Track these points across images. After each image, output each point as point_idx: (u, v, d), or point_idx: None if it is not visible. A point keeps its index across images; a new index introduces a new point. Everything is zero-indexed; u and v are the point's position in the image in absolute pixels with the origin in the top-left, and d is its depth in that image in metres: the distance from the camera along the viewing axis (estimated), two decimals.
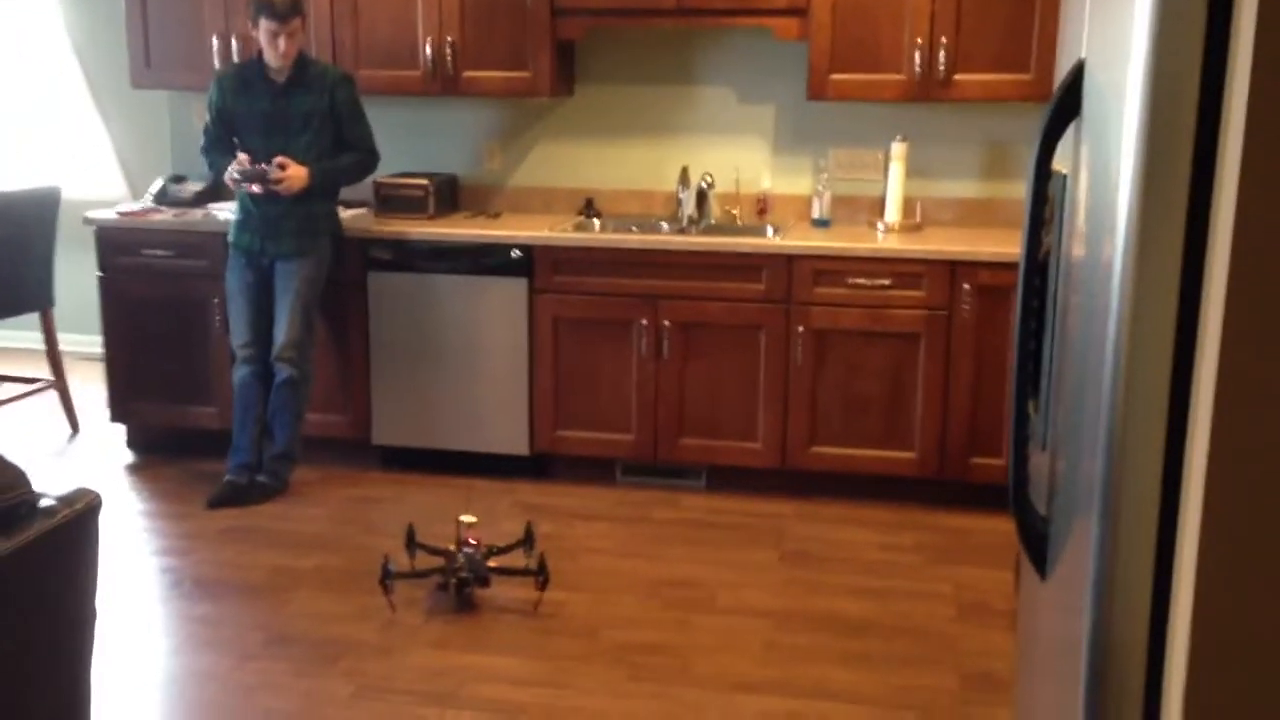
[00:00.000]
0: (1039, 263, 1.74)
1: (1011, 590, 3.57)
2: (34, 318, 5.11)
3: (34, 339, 5.25)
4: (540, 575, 3.56)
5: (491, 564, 3.60)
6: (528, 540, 3.73)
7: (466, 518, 3.69)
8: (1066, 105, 1.62)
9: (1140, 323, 1.26)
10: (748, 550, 4.02)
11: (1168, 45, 1.20)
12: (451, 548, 3.63)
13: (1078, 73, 1.62)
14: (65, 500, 1.89)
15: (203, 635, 3.43)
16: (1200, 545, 1.18)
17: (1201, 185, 1.21)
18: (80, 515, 1.89)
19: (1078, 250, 1.64)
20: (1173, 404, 1.26)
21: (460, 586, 3.56)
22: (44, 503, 1.87)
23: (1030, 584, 1.91)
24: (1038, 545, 1.74)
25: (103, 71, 5.52)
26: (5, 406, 5.31)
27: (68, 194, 5.33)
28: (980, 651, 3.32)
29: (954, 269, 4.18)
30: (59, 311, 5.20)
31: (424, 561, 3.67)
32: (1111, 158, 1.36)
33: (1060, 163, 1.75)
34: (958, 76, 4.31)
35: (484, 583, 3.58)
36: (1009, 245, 4.20)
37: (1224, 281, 1.15)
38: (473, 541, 3.62)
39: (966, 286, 4.18)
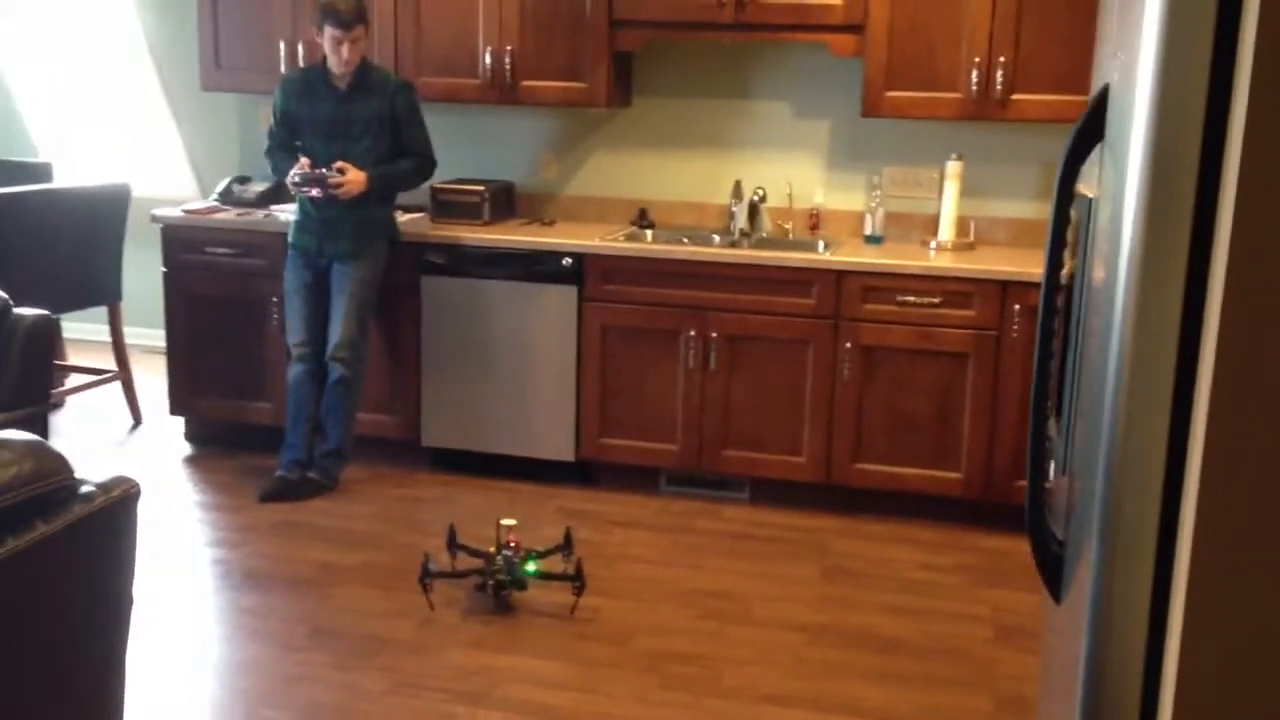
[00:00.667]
0: (1060, 285, 1.73)
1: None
2: (103, 311, 5.26)
3: (102, 331, 5.40)
4: (576, 581, 3.59)
5: (529, 568, 3.64)
6: (566, 546, 3.77)
7: (507, 521, 3.73)
8: (1091, 129, 1.62)
9: (1142, 344, 1.26)
10: (787, 564, 4.02)
11: (1174, 71, 1.21)
12: (491, 550, 3.68)
13: (1103, 96, 1.62)
14: (104, 487, 1.96)
15: (249, 625, 3.51)
16: (1191, 569, 1.18)
17: (1206, 210, 1.21)
18: (118, 502, 1.95)
19: (1099, 274, 1.63)
20: (1173, 426, 1.26)
21: (498, 589, 3.61)
22: (84, 489, 1.93)
23: (1048, 608, 1.90)
24: (1053, 569, 1.74)
25: (176, 73, 5.67)
26: (73, 396, 5.48)
27: (141, 192, 5.49)
28: (1016, 675, 3.29)
29: (1005, 289, 4.15)
30: (127, 305, 5.35)
31: (464, 563, 3.72)
32: (1123, 181, 1.37)
33: (1091, 188, 1.75)
34: (1015, 96, 4.28)
35: (521, 586, 3.62)
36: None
37: (1219, 304, 1.15)
38: (512, 544, 3.66)
39: (1017, 307, 4.15)
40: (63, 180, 5.57)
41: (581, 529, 4.28)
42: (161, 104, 5.87)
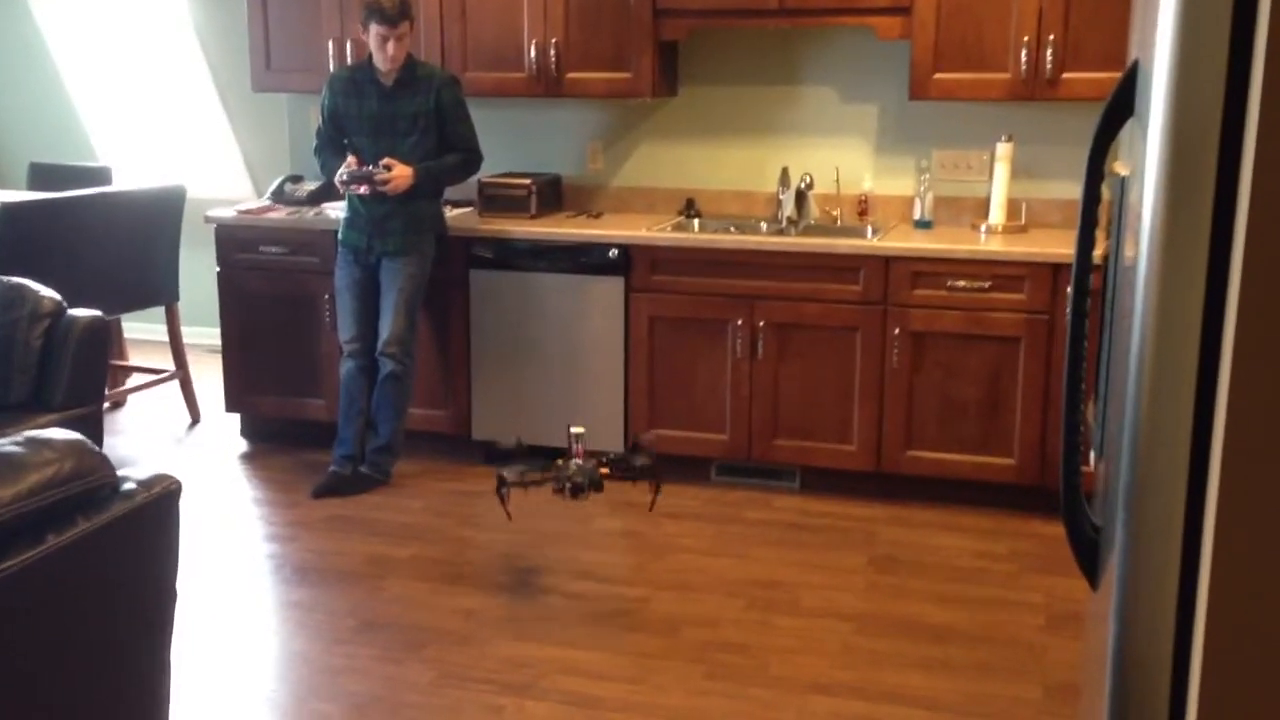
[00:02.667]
0: (1092, 265, 1.70)
1: None
2: (161, 311, 5.36)
3: (161, 331, 5.50)
4: (653, 478, 3.60)
5: (604, 471, 3.64)
6: (635, 450, 3.77)
7: (576, 429, 3.73)
8: (1121, 105, 1.58)
9: (1166, 323, 1.23)
10: (837, 553, 3.99)
11: (1193, 42, 1.17)
12: (560, 462, 3.68)
13: (1132, 72, 1.58)
14: (145, 484, 1.99)
15: (298, 618, 3.56)
16: (1215, 553, 1.15)
17: (1227, 186, 1.17)
18: (158, 499, 1.99)
19: (1129, 252, 1.60)
20: (1199, 407, 1.22)
21: (575, 492, 3.61)
22: (125, 486, 1.97)
23: (1089, 596, 1.86)
24: (1089, 554, 1.70)
25: (230, 75, 5.76)
26: (133, 395, 5.59)
27: (197, 192, 5.59)
28: (1067, 663, 3.24)
29: (1056, 272, 4.08)
30: (184, 305, 5.44)
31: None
32: (1147, 157, 1.33)
33: (1124, 165, 1.71)
34: (1066, 75, 4.20)
35: (598, 487, 3.63)
36: None
37: (1239, 281, 1.11)
38: (579, 454, 3.67)
39: (1069, 290, 4.06)
40: (120, 183, 5.68)
41: (632, 520, 4.29)
42: (216, 106, 5.97)
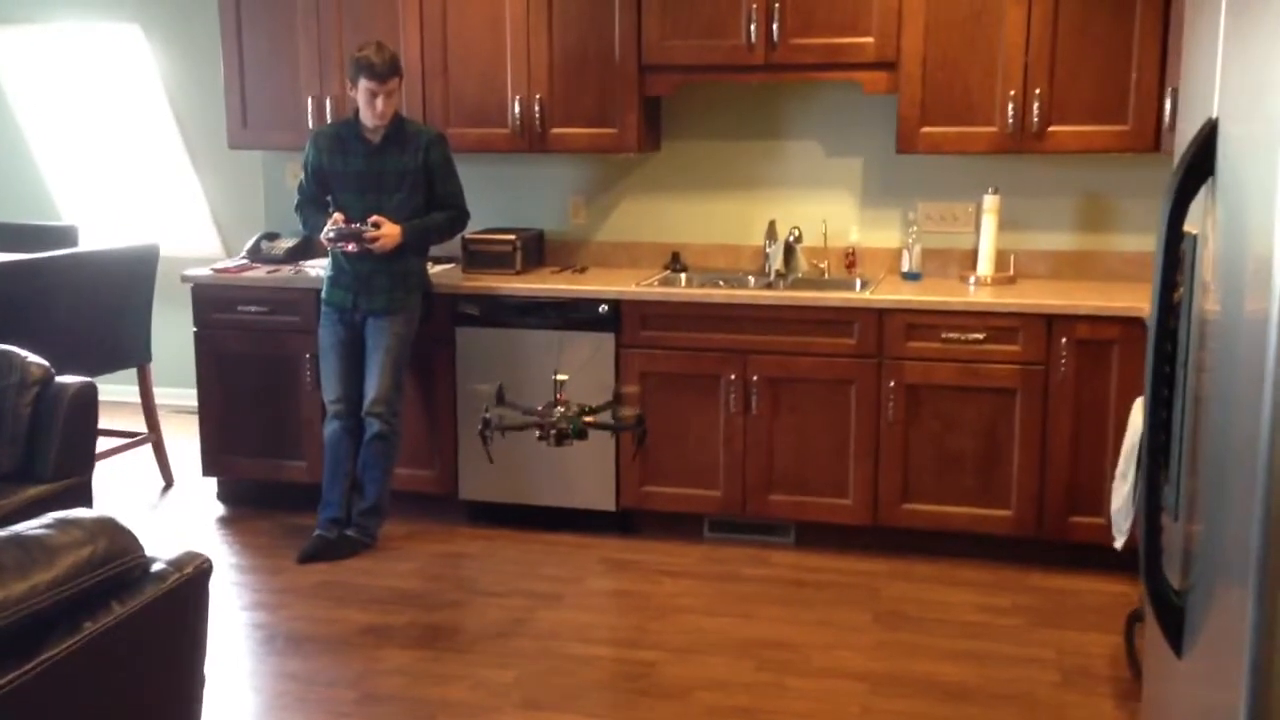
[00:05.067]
0: (1170, 328, 1.67)
1: (1122, 655, 3.45)
2: (131, 372, 5.21)
3: (132, 392, 5.35)
4: (639, 428, 3.52)
5: (589, 420, 3.56)
6: (617, 400, 3.70)
7: (561, 376, 3.64)
8: (1198, 165, 1.57)
9: None
10: (840, 610, 3.94)
11: None
12: (540, 408, 3.59)
13: (1210, 132, 1.56)
14: (176, 564, 1.90)
15: (295, 693, 3.43)
16: None
17: None
18: (190, 579, 1.89)
19: (1211, 310, 1.58)
20: None
21: (559, 439, 3.52)
22: (156, 567, 1.87)
23: (1161, 659, 1.82)
24: (1173, 622, 1.67)
25: (199, 131, 5.66)
26: (104, 460, 5.41)
27: (166, 251, 5.46)
28: None
29: (1050, 323, 4.10)
30: (158, 365, 5.30)
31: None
32: (1255, 216, 1.31)
33: (1190, 222, 1.70)
34: (1052, 128, 4.24)
35: (581, 435, 3.54)
36: (1108, 298, 4.11)
37: None
38: (563, 401, 3.58)
39: (1064, 340, 4.09)
40: (88, 243, 5.55)
41: (628, 579, 4.21)
42: (185, 163, 5.86)
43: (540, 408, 3.60)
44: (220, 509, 4.99)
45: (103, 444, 5.34)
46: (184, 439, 5.49)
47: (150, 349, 5.18)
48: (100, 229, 6.10)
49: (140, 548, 1.85)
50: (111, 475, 5.39)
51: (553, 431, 3.52)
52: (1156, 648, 1.87)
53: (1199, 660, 1.58)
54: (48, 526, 1.75)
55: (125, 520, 4.49)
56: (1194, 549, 1.61)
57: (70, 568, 1.69)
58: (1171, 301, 1.65)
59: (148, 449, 5.31)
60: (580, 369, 4.45)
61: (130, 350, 5.09)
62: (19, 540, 1.68)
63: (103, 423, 5.46)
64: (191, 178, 5.88)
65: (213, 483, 5.06)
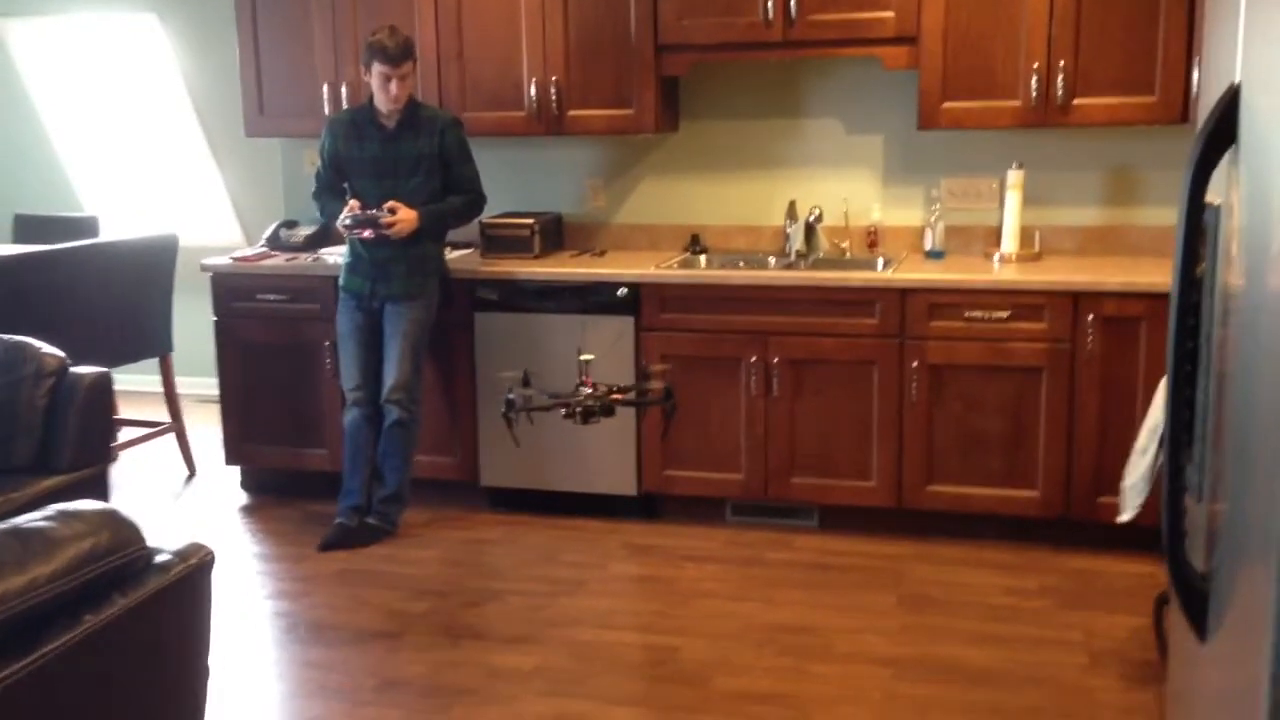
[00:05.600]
0: (1192, 303, 1.61)
1: (1151, 639, 3.39)
2: (154, 362, 5.22)
3: (154, 383, 5.36)
4: (668, 403, 3.48)
5: (616, 397, 3.51)
6: (646, 377, 3.66)
7: (586, 356, 3.60)
8: (1220, 133, 1.51)
9: None
10: (864, 593, 3.89)
11: None
12: (569, 390, 3.56)
13: (1232, 99, 1.50)
14: (180, 555, 1.87)
15: (316, 680, 3.42)
16: None
17: None
18: (194, 570, 1.87)
19: (1236, 284, 1.52)
20: None
21: (586, 416, 3.48)
22: (159, 558, 1.85)
23: (1185, 643, 1.77)
24: (1197, 605, 1.61)
25: (218, 120, 5.66)
26: (127, 450, 5.44)
27: (186, 240, 5.46)
28: (1117, 706, 3.14)
29: (1077, 300, 4.02)
30: (180, 355, 5.31)
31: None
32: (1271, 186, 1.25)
33: (1211, 193, 1.63)
34: (1077, 100, 4.16)
35: (609, 412, 3.50)
36: (1135, 274, 4.03)
37: None
38: (588, 382, 3.54)
39: (1090, 318, 4.01)
40: (109, 233, 5.56)
41: (650, 564, 4.18)
42: (204, 152, 5.86)
43: (568, 390, 3.55)
44: (243, 498, 4.99)
45: (126, 434, 5.40)
46: (207, 428, 5.50)
47: (171, 339, 5.18)
48: (122, 219, 6.11)
49: (143, 540, 1.83)
50: (135, 465, 5.41)
51: (579, 409, 3.47)
52: (1180, 631, 1.82)
53: (1223, 644, 1.53)
54: (49, 519, 1.73)
55: (148, 510, 4.51)
56: (1217, 530, 1.55)
57: (71, 560, 1.67)
58: (1194, 275, 1.60)
59: (171, 438, 5.32)
60: (601, 353, 4.41)
61: (151, 340, 5.10)
62: (19, 533, 1.66)
63: (125, 412, 5.56)
64: (211, 166, 5.88)
65: (236, 471, 5.06)
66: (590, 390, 3.50)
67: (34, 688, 1.57)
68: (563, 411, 3.49)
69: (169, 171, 6.10)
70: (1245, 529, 1.41)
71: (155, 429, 5.30)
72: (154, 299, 5.04)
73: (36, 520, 1.72)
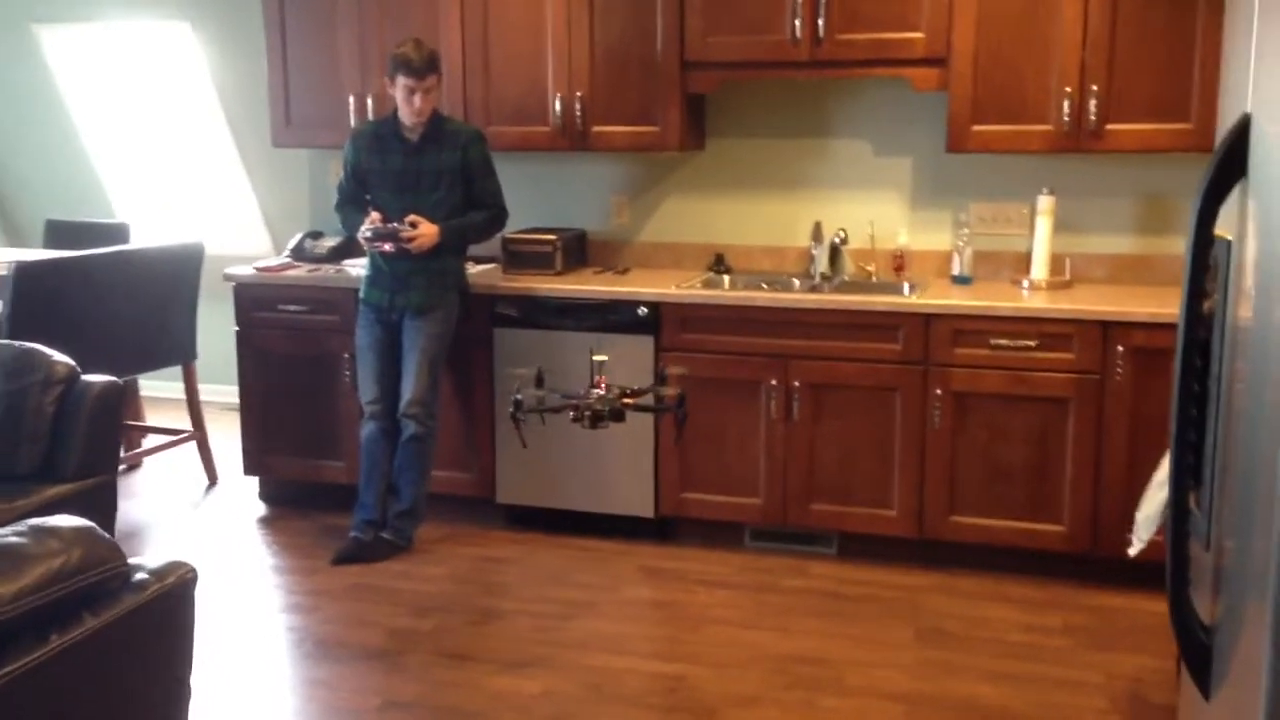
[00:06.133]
0: (1200, 339, 1.54)
1: (1175, 683, 3.28)
2: (176, 368, 5.23)
3: (177, 389, 5.37)
4: (679, 410, 3.41)
5: (627, 401, 3.44)
6: (661, 381, 3.58)
7: (599, 356, 3.54)
8: (1230, 164, 1.44)
9: None
10: (881, 625, 3.80)
11: None
12: (581, 392, 3.49)
13: (1242, 129, 1.43)
14: (158, 574, 1.84)
15: (320, 698, 3.38)
16: None
17: None
18: (172, 590, 1.83)
19: (1246, 319, 1.44)
20: None
21: (595, 420, 3.41)
22: (137, 577, 1.82)
23: (1192, 700, 1.69)
24: (1200, 659, 1.53)
25: (249, 129, 5.67)
26: (150, 457, 5.45)
27: (216, 248, 5.48)
28: None
29: (1106, 330, 3.93)
30: (209, 362, 5.32)
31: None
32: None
33: (1221, 226, 1.56)
34: (1110, 126, 4.06)
35: (618, 417, 3.43)
36: (1167, 305, 3.92)
37: None
38: (601, 385, 3.47)
39: (1120, 348, 3.91)
40: (139, 240, 5.59)
41: (664, 588, 4.12)
42: (235, 161, 5.88)
43: (580, 393, 3.49)
44: (261, 508, 4.98)
45: (149, 441, 5.41)
46: (230, 436, 5.49)
47: (195, 347, 5.18)
48: (153, 226, 6.14)
49: (120, 558, 1.79)
50: (157, 473, 5.42)
51: (587, 413, 3.41)
52: (1187, 686, 1.74)
53: (1225, 703, 1.45)
54: (21, 535, 1.70)
55: (166, 518, 4.52)
56: (1222, 579, 1.48)
57: (40, 578, 1.64)
58: (1201, 311, 1.52)
59: (193, 446, 5.32)
60: (620, 371, 4.37)
61: (176, 348, 5.11)
62: None
63: (149, 419, 5.57)
64: (241, 175, 5.89)
65: (255, 481, 5.05)
66: (602, 393, 3.44)
67: None
68: (571, 414, 3.43)
69: (200, 179, 6.12)
70: (1248, 577, 1.34)
71: (178, 437, 5.30)
72: (179, 306, 5.05)
73: (7, 535, 1.69)
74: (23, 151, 6.35)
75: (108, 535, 1.82)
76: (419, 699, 3.34)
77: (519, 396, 3.42)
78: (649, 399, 3.56)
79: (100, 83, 6.06)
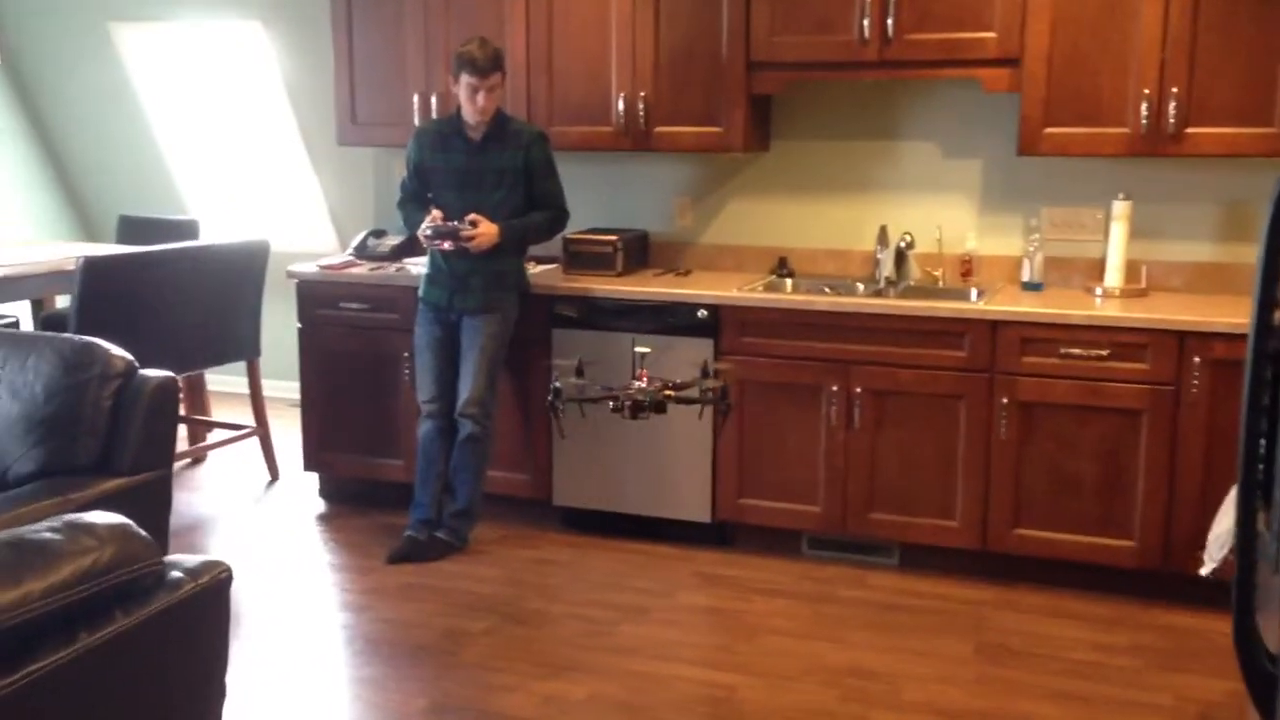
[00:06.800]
0: (1271, 350, 1.45)
1: (1248, 706, 3.14)
2: (242, 362, 5.28)
3: (243, 384, 5.42)
4: (722, 403, 3.33)
5: (669, 393, 3.38)
6: (705, 374, 3.52)
7: (641, 348, 3.49)
8: None
9: None
10: (940, 639, 3.70)
11: None
12: (622, 384, 3.45)
13: None
14: (192, 573, 1.82)
15: (367, 698, 3.38)
16: None
17: None
18: (206, 589, 1.82)
19: None
20: None
21: (635, 411, 3.35)
22: (172, 575, 1.80)
23: (1226, 697, 1.59)
24: (1264, 688, 1.44)
25: (317, 128, 5.71)
26: (214, 451, 5.51)
27: (283, 245, 5.52)
28: None
29: (1183, 340, 3.79)
30: (268, 358, 5.36)
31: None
32: None
33: None
34: (1190, 129, 3.92)
35: (660, 409, 3.37)
36: (1246, 315, 3.75)
37: None
38: (644, 377, 3.42)
39: (1197, 360, 3.77)
40: (208, 237, 5.65)
41: (719, 595, 4.06)
42: (303, 158, 5.92)
43: (621, 384, 3.44)
44: (321, 505, 5.00)
45: (213, 436, 5.46)
46: (296, 432, 5.52)
47: (259, 343, 5.23)
48: (223, 223, 6.21)
49: (155, 555, 1.78)
50: (221, 467, 5.48)
51: (628, 403, 3.35)
52: (1252, 715, 1.64)
53: None
54: (55, 531, 1.69)
55: (227, 514, 4.55)
56: None
57: (70, 575, 1.63)
58: (1272, 321, 1.43)
59: (256, 442, 5.37)
60: (679, 375, 4.31)
61: (241, 344, 5.15)
62: (19, 544, 1.62)
63: (215, 413, 5.63)
64: (310, 173, 5.94)
65: (315, 478, 5.08)
66: (643, 384, 3.38)
67: (21, 707, 1.53)
68: (611, 404, 3.38)
69: (269, 177, 6.19)
70: None
71: (242, 432, 5.35)
72: (244, 303, 5.09)
73: (42, 531, 1.69)
74: (99, 148, 6.47)
75: (144, 533, 1.81)
76: (466, 702, 3.32)
77: (557, 384, 3.37)
78: (693, 392, 3.49)
79: (174, 80, 6.15)
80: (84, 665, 1.62)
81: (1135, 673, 3.49)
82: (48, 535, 1.68)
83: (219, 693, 1.94)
